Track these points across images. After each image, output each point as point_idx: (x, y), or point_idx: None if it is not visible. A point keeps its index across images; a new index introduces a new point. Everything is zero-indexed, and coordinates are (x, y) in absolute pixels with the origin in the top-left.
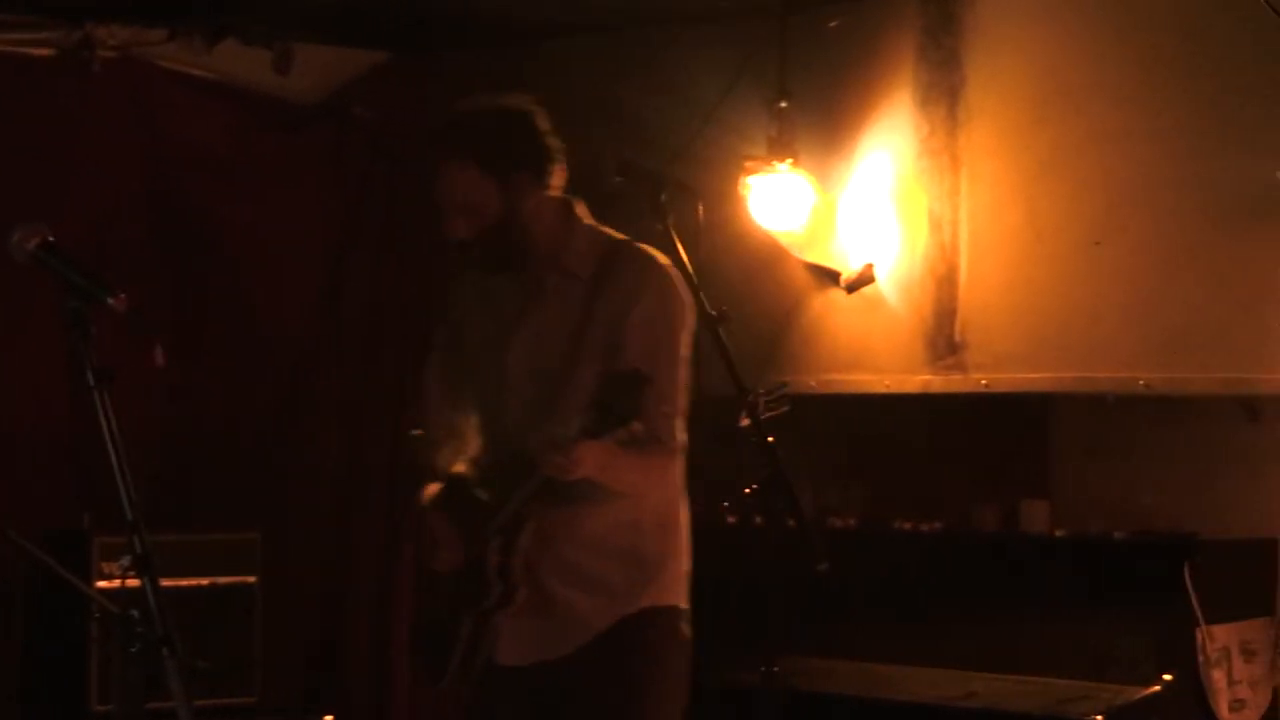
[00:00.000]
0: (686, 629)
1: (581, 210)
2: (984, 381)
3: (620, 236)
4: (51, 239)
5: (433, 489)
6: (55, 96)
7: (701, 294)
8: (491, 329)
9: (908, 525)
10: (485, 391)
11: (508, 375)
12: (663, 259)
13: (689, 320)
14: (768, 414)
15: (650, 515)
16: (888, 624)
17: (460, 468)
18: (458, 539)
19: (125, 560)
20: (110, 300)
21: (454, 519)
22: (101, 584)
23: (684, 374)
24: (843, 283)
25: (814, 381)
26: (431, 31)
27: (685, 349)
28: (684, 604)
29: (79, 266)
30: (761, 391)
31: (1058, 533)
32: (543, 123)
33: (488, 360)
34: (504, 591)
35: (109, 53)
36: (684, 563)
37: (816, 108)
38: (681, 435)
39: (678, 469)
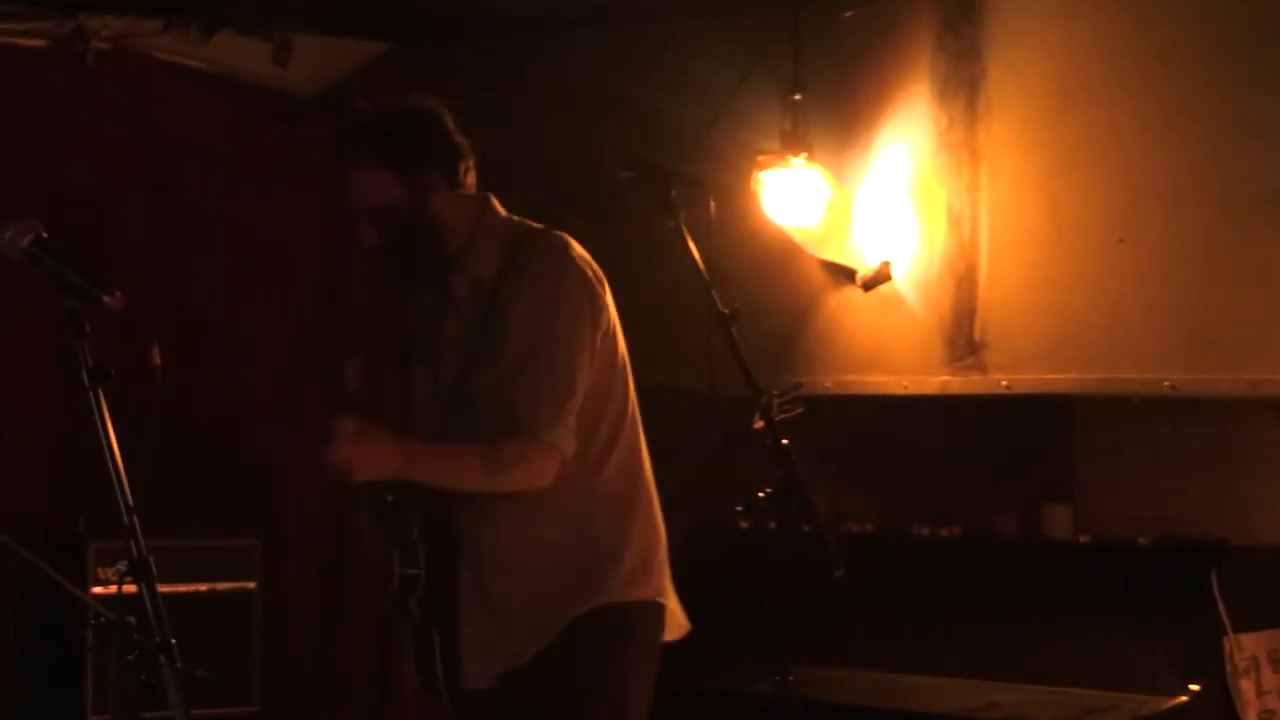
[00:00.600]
0: (652, 624)
1: (496, 206)
2: (1004, 382)
3: (535, 227)
4: (45, 235)
5: None
6: (48, 89)
7: (713, 292)
8: (425, 346)
9: (926, 530)
10: (427, 410)
11: (441, 393)
12: (563, 242)
13: (588, 305)
14: (782, 416)
15: (601, 506)
16: (906, 632)
17: None
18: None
19: (122, 565)
20: (106, 298)
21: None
22: (97, 590)
23: (582, 366)
24: (859, 281)
25: (829, 382)
26: (433, 24)
27: (584, 338)
28: (649, 597)
29: (73, 263)
30: (775, 393)
31: (1080, 538)
32: (449, 122)
33: (424, 378)
34: (426, 606)
35: (103, 44)
36: (648, 552)
37: (831, 100)
38: (573, 433)
39: (623, 457)
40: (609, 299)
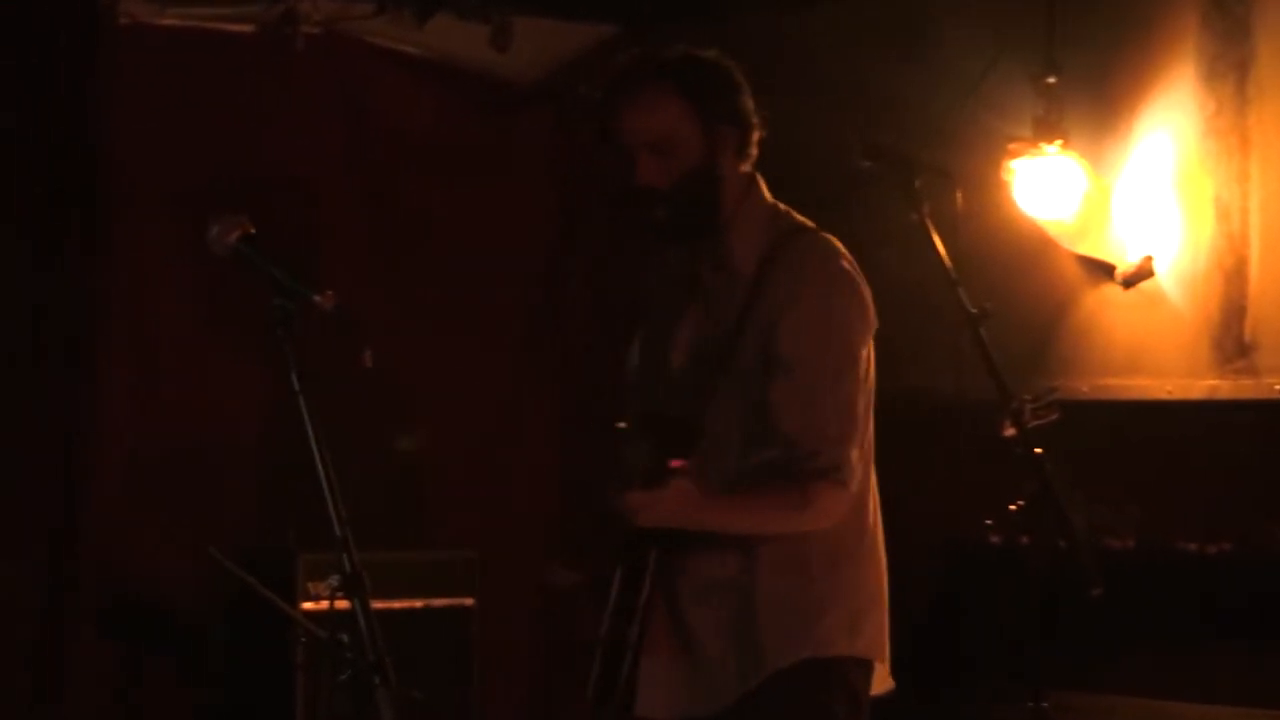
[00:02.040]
0: (862, 684)
1: (763, 187)
2: (1278, 386)
3: (801, 223)
4: (252, 231)
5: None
6: (256, 77)
7: (960, 290)
8: (657, 328)
9: (1192, 546)
10: (648, 398)
11: (670, 382)
12: (835, 249)
13: (863, 325)
14: (1035, 423)
15: (819, 549)
16: (1168, 656)
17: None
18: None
19: (333, 580)
20: (316, 297)
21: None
22: (307, 606)
23: (862, 393)
24: (1118, 277)
25: (1086, 387)
26: (665, 2)
27: (860, 361)
28: (861, 653)
29: (282, 261)
30: (1028, 398)
31: None
32: (748, 89)
33: (651, 361)
34: (640, 633)
35: (313, 29)
36: (867, 602)
37: (1088, 83)
38: (857, 465)
39: (853, 496)
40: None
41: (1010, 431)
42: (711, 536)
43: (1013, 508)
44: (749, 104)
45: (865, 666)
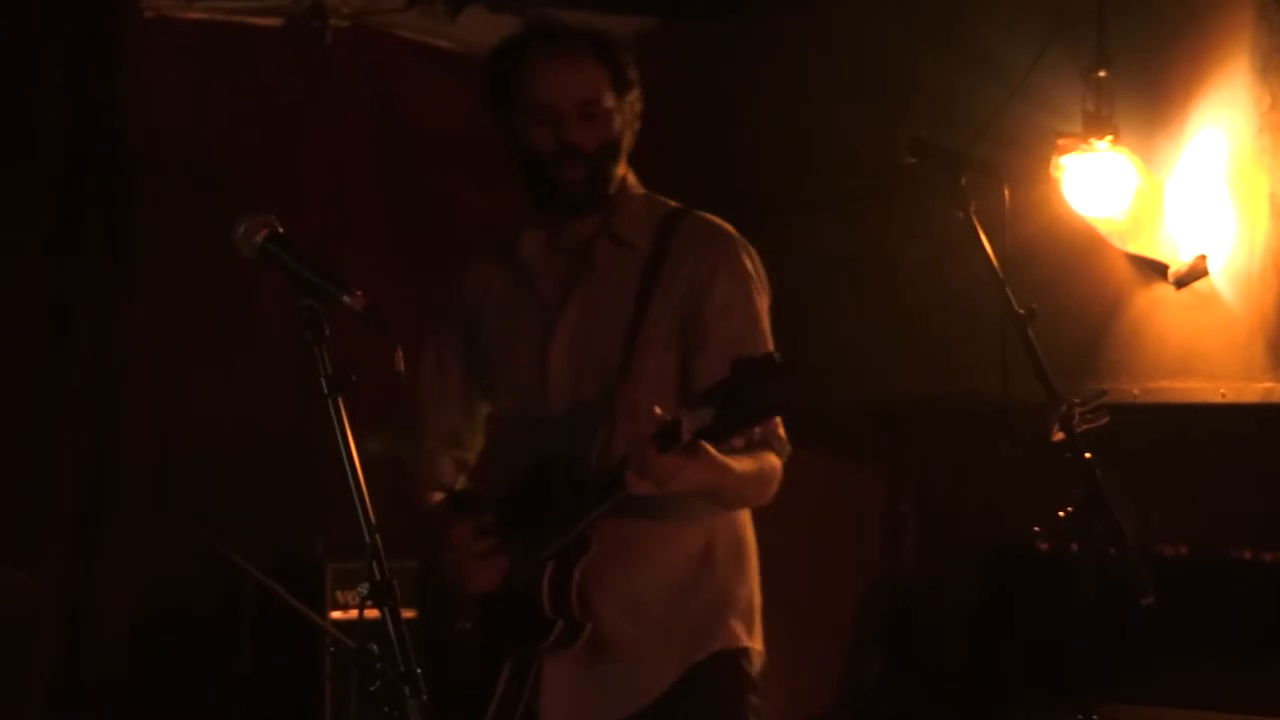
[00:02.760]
0: (762, 675)
1: (632, 174)
2: None
3: (676, 205)
4: (281, 230)
5: (438, 497)
6: (283, 71)
7: (1008, 290)
8: (525, 310)
9: (1247, 554)
10: (514, 385)
11: (549, 364)
12: (732, 230)
13: (768, 293)
14: (1084, 426)
15: (723, 537)
16: (1223, 667)
17: (464, 484)
18: (490, 556)
19: (363, 589)
20: (346, 298)
21: (482, 532)
22: (336, 615)
23: None
24: (1171, 277)
25: (1137, 390)
26: None
27: (768, 330)
28: (757, 644)
29: (311, 260)
30: (1077, 401)
31: None
32: None
33: (520, 347)
34: (566, 628)
35: (342, 22)
36: (755, 594)
37: (1139, 77)
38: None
39: None
40: None
41: (1059, 435)
42: (673, 533)
43: (1061, 514)
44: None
45: (761, 658)
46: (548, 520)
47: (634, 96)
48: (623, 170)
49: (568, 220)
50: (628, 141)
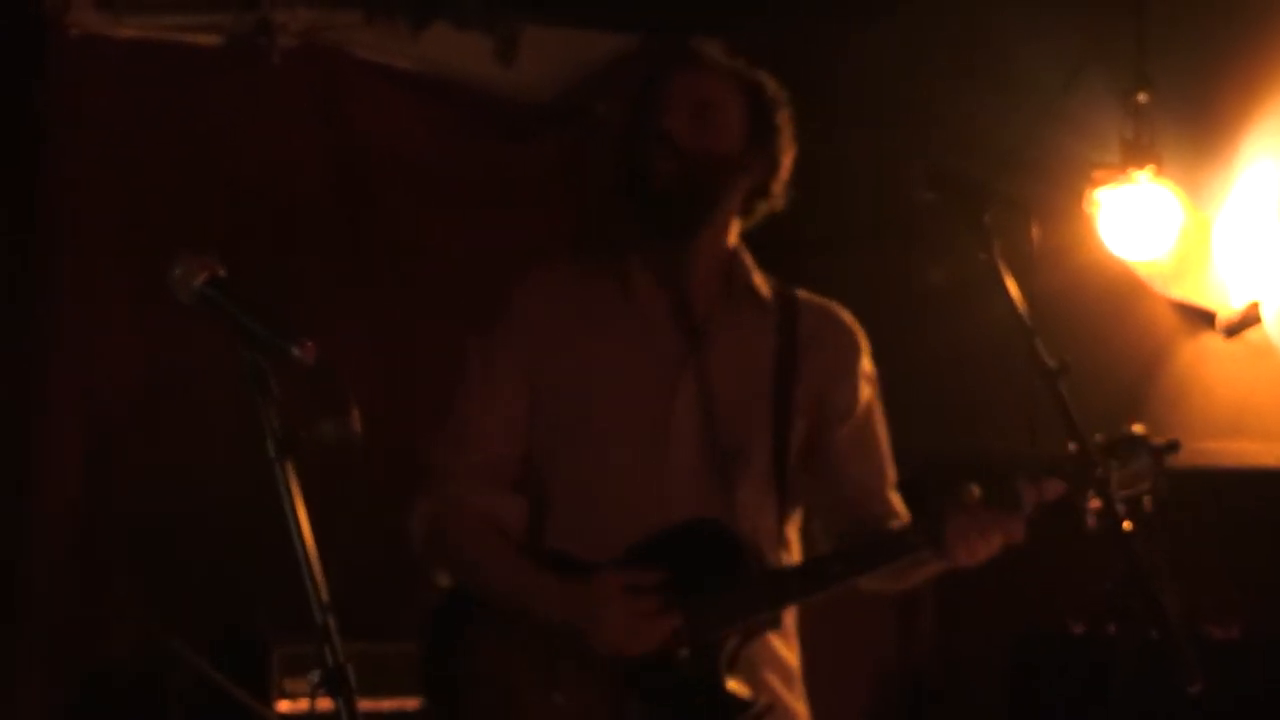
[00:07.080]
0: None
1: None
2: None
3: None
4: (221, 274)
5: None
6: (226, 94)
7: (1037, 340)
8: (633, 344)
9: None
10: (608, 430)
11: (671, 426)
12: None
13: None
14: (1123, 492)
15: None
16: None
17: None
18: (657, 618)
19: (314, 676)
20: (295, 350)
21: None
22: (284, 706)
23: None
24: (1220, 325)
25: (1183, 451)
26: (694, 9)
27: None
28: None
29: (256, 308)
30: (1115, 463)
31: None
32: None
33: (630, 399)
34: (756, 714)
35: (291, 40)
36: None
37: (1184, 101)
38: None
39: None
40: None
41: (1095, 503)
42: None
43: (1098, 592)
44: (787, 161)
45: None
46: (726, 586)
47: (776, 149)
48: (726, 212)
49: (675, 245)
50: (745, 186)
